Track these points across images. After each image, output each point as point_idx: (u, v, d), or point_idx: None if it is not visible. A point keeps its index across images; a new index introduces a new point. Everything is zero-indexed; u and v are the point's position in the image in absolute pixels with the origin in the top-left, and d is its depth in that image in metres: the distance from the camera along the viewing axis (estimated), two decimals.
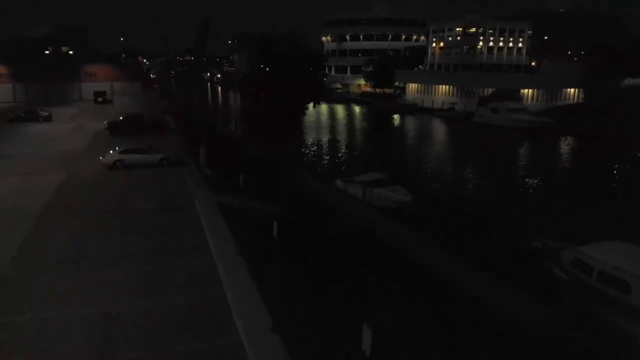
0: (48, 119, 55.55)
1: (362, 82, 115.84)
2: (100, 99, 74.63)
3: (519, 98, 71.19)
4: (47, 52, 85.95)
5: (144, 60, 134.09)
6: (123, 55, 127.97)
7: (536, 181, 37.50)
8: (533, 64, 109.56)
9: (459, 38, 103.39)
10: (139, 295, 14.61)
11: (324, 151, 49.90)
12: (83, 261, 17.01)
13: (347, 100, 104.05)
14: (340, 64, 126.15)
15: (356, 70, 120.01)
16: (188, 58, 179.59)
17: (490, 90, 73.01)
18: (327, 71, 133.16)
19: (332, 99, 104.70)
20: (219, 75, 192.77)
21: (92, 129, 48.58)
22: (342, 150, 49.72)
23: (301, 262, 16.90)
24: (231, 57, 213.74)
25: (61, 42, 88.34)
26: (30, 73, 73.69)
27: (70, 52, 76.59)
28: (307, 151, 48.82)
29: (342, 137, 60.79)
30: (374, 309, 13.34)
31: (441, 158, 46.73)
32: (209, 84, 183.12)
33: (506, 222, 26.62)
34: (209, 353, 11.74)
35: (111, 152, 31.89)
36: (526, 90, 75.96)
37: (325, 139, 58.45)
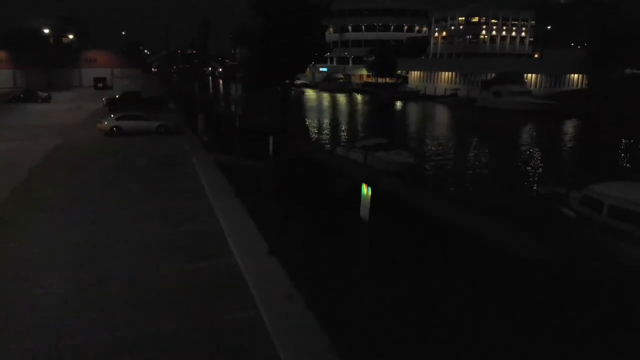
0: (47, 99, 55.14)
1: (364, 72, 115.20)
2: (100, 85, 74.14)
3: (523, 81, 70.40)
4: (49, 41, 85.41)
5: (146, 51, 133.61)
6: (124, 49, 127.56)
7: (538, 152, 36.84)
8: (536, 55, 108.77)
9: (461, 27, 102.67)
10: (131, 227, 14.13)
11: (323, 127, 49.21)
12: (75, 203, 16.53)
13: (349, 90, 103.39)
14: (342, 54, 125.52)
15: (358, 61, 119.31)
16: (190, 52, 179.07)
17: (493, 76, 72.34)
18: (329, 62, 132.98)
19: (333, 89, 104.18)
20: (220, 70, 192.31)
21: (91, 108, 48.26)
22: (342, 128, 49.06)
23: (298, 200, 16.43)
24: (233, 52, 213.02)
25: (62, 33, 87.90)
26: (31, 59, 73.27)
27: (71, 37, 76.09)
28: (307, 126, 48.29)
29: (342, 118, 60.12)
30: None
31: (441, 136, 46.05)
32: (210, 77, 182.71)
33: (509, 180, 26.02)
34: (207, 270, 11.28)
35: (108, 118, 31.41)
36: (529, 76, 75.26)
37: (325, 119, 57.82)
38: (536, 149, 38.20)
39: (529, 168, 30.50)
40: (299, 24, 23.20)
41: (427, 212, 17.28)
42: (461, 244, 13.87)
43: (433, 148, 37.77)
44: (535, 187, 19.54)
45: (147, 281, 10.65)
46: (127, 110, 35.10)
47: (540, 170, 29.58)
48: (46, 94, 55.91)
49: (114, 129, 30.38)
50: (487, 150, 37.07)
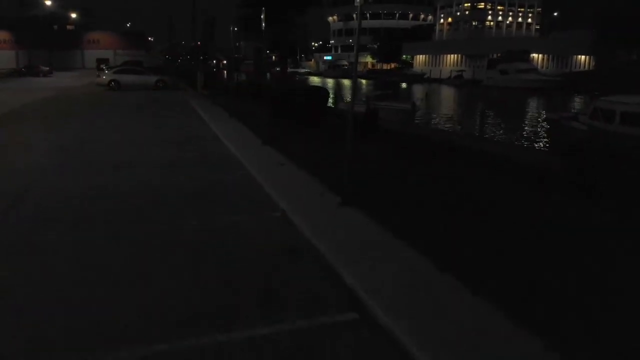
0: (48, 74, 54.78)
1: (369, 59, 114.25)
2: (103, 66, 73.78)
3: (529, 60, 69.37)
4: (52, 24, 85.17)
5: (150, 38, 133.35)
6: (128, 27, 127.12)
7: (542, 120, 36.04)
8: None
9: (467, 13, 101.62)
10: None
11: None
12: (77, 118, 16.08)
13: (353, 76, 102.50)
14: (347, 42, 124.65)
15: (363, 49, 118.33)
16: (194, 43, 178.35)
17: (499, 56, 71.35)
18: (333, 51, 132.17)
19: (338, 75, 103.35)
20: (224, 62, 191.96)
21: (92, 80, 48.00)
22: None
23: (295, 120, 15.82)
24: (237, 44, 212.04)
25: (66, 17, 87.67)
26: (33, 40, 72.99)
27: (74, 15, 75.84)
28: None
29: (345, 93, 59.40)
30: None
31: (444, 107, 45.30)
32: (214, 70, 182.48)
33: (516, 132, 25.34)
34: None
35: (106, 72, 30.89)
36: (535, 56, 74.23)
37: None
38: (541, 116, 37.39)
39: (534, 129, 29.81)
40: None
41: (428, 137, 16.75)
42: (463, 155, 13.18)
43: (435, 115, 37.02)
44: (543, 115, 18.87)
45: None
46: None
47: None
48: (47, 68, 55.55)
49: (112, 82, 29.83)
50: (492, 115, 36.30)
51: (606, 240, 5.79)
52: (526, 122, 24.44)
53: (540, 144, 16.60)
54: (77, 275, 4.87)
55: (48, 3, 59.40)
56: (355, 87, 7.74)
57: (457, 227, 6.01)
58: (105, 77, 30.22)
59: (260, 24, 13.70)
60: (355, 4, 6.43)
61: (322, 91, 18.18)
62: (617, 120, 14.25)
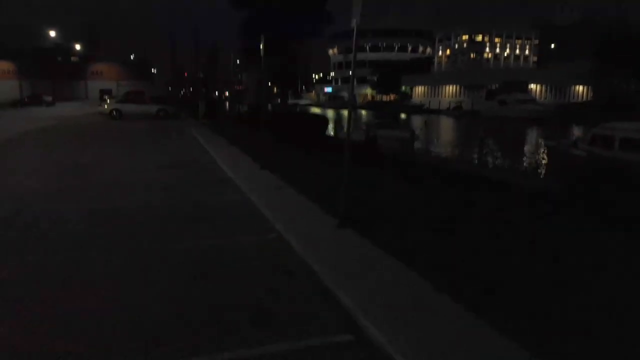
0: (51, 103, 55.36)
1: (369, 91, 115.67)
2: (105, 97, 74.60)
3: (527, 90, 70.16)
4: (56, 56, 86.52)
5: (153, 70, 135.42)
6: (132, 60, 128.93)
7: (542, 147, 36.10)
8: None
9: (465, 45, 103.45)
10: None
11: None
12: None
13: (353, 107, 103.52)
14: (347, 75, 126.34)
15: (362, 81, 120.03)
16: (198, 76, 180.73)
17: (497, 86, 72.23)
18: (334, 83, 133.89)
19: (338, 106, 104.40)
20: (227, 94, 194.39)
21: (94, 110, 48.48)
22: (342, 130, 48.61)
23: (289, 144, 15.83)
24: (240, 76, 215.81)
25: (71, 52, 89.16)
26: (37, 70, 73.99)
27: (78, 47, 77.13)
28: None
29: (344, 123, 59.79)
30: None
31: (444, 137, 45.53)
32: (216, 101, 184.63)
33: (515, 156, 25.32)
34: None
35: (109, 102, 31.16)
36: (533, 86, 75.09)
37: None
38: (540, 144, 37.47)
39: (532, 156, 29.83)
40: None
41: (428, 163, 16.72)
42: (462, 180, 13.12)
43: (435, 143, 37.13)
44: (542, 143, 18.91)
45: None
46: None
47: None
48: (50, 98, 56.20)
49: (114, 111, 30.06)
50: (491, 143, 36.41)
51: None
52: (525, 149, 24.60)
53: (540, 170, 16.57)
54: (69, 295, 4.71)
55: (52, 34, 60.48)
56: (351, 111, 7.70)
57: (456, 249, 5.86)
58: (107, 106, 30.48)
59: (261, 55, 13.83)
60: (352, 25, 6.44)
61: (321, 118, 18.26)
62: (617, 146, 14.21)
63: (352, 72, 7.47)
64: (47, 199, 8.70)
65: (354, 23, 6.45)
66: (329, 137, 26.06)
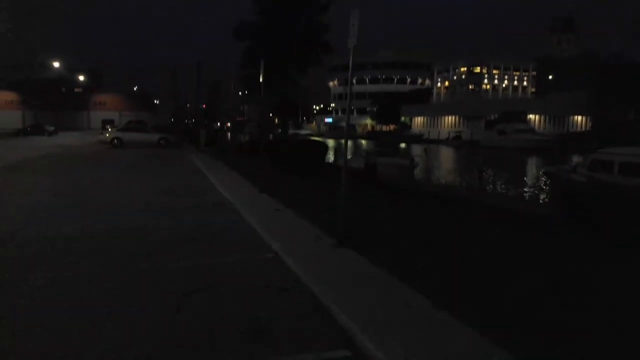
0: (53, 133, 55.73)
1: (369, 122, 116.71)
2: (108, 127, 75.17)
3: (526, 120, 70.65)
4: (60, 88, 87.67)
5: (156, 101, 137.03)
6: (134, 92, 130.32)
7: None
8: None
9: (463, 77, 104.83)
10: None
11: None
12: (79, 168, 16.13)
13: (354, 137, 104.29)
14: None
15: (362, 112, 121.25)
16: (200, 107, 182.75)
17: (496, 117, 72.85)
18: (334, 113, 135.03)
19: (338, 136, 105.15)
20: (228, 124, 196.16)
21: (96, 139, 48.83)
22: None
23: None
24: (241, 108, 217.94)
25: (74, 83, 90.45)
26: (40, 101, 74.82)
27: (82, 78, 78.15)
28: None
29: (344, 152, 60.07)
30: None
31: (444, 166, 45.68)
32: (218, 132, 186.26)
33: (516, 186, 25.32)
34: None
35: (110, 130, 31.37)
36: (532, 116, 75.67)
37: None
38: (540, 171, 37.54)
39: (532, 182, 29.85)
40: (297, 19, 23.23)
41: (426, 189, 16.72)
42: (461, 205, 13.11)
43: (435, 170, 37.21)
44: (541, 170, 18.93)
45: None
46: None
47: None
48: (52, 128, 56.62)
49: (115, 140, 30.21)
50: (489, 170, 36.51)
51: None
52: (525, 176, 24.64)
53: (541, 196, 16.56)
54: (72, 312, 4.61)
55: (56, 65, 61.42)
56: (349, 126, 7.76)
57: (455, 267, 5.78)
58: (108, 134, 30.67)
59: (262, 84, 14.01)
60: (349, 46, 6.53)
61: (320, 144, 18.34)
62: (616, 171, 14.22)
63: (349, 90, 7.53)
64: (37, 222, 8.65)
65: (350, 44, 6.53)
66: (329, 164, 26.17)
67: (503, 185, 20.27)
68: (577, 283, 5.38)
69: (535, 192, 17.59)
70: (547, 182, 17.63)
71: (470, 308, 4.46)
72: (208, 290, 5.29)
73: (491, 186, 19.38)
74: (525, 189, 19.83)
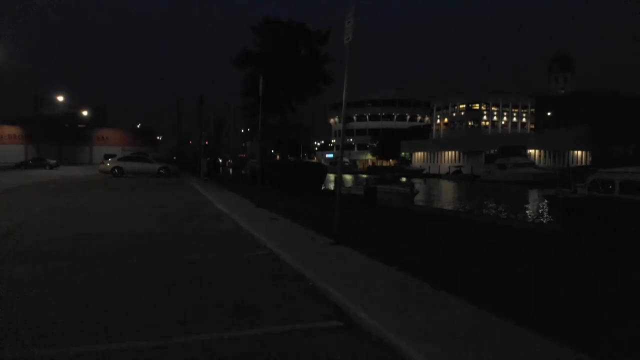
0: (55, 166, 55.95)
1: (369, 157, 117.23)
2: (108, 158, 75.52)
3: (525, 154, 70.88)
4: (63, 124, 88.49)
5: (158, 137, 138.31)
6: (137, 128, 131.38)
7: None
8: None
9: (462, 113, 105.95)
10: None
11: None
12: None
13: (354, 172, 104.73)
14: (347, 141, 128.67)
15: (362, 148, 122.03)
16: (203, 143, 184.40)
17: (496, 151, 73.15)
18: (335, 149, 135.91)
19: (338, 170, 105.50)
20: (230, 161, 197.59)
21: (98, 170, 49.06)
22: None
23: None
24: (243, 145, 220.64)
25: (78, 119, 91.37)
26: (43, 135, 75.41)
27: (85, 113, 78.87)
28: None
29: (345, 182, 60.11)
30: None
31: (444, 197, 45.66)
32: (221, 168, 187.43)
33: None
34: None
35: (110, 160, 31.47)
36: (531, 151, 75.98)
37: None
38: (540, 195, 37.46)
39: (533, 205, 29.70)
40: (297, 49, 23.68)
41: (422, 211, 16.63)
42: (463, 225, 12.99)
43: (437, 200, 37.12)
44: (541, 194, 18.84)
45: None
46: None
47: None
48: (54, 161, 56.94)
49: (115, 169, 30.17)
50: (492, 203, 36.45)
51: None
52: (526, 203, 24.54)
53: (541, 219, 16.43)
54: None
55: (60, 99, 62.24)
56: (343, 149, 7.74)
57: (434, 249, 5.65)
58: (109, 164, 30.69)
59: (264, 109, 14.13)
60: (345, 43, 6.59)
61: (320, 166, 18.35)
62: (617, 190, 14.12)
63: (344, 96, 7.53)
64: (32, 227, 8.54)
65: (346, 41, 6.59)
66: (329, 190, 26.11)
67: (502, 210, 20.16)
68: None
69: (534, 215, 17.41)
70: (548, 205, 17.52)
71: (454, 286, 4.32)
72: (211, 275, 5.16)
73: (492, 211, 19.27)
74: (527, 212, 19.70)
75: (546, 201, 18.06)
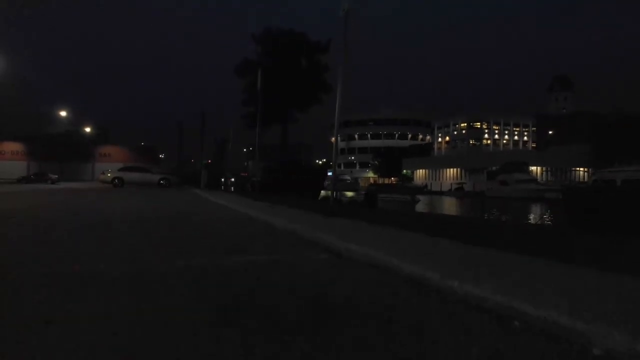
0: (56, 181, 56.05)
1: (371, 175, 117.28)
2: (109, 169, 75.51)
3: (528, 170, 70.77)
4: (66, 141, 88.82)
5: (161, 155, 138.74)
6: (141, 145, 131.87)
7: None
8: None
9: (464, 132, 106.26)
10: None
11: None
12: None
13: (356, 189, 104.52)
14: (349, 159, 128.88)
15: (364, 166, 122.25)
16: (205, 162, 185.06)
17: (497, 168, 73.12)
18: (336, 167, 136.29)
19: (340, 189, 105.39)
20: (232, 179, 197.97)
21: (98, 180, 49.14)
22: None
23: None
24: (245, 164, 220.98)
25: (81, 138, 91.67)
26: (45, 152, 75.74)
27: (88, 130, 79.20)
28: None
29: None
30: None
31: (446, 208, 45.48)
32: (222, 187, 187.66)
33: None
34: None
35: (110, 170, 31.46)
36: (533, 168, 75.91)
37: None
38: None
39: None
40: (298, 59, 23.83)
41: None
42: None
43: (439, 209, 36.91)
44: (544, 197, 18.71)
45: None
46: None
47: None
48: (56, 176, 57.08)
49: (116, 179, 30.20)
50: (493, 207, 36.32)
51: None
52: (528, 214, 24.55)
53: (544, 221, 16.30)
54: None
55: (63, 114, 62.63)
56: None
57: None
58: (109, 175, 30.69)
59: (263, 123, 14.14)
60: (341, 13, 6.56)
61: (320, 170, 18.25)
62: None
63: (340, 84, 7.47)
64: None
65: (342, 12, 6.56)
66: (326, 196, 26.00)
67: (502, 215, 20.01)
68: None
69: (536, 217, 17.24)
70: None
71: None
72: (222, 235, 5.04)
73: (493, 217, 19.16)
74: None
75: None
